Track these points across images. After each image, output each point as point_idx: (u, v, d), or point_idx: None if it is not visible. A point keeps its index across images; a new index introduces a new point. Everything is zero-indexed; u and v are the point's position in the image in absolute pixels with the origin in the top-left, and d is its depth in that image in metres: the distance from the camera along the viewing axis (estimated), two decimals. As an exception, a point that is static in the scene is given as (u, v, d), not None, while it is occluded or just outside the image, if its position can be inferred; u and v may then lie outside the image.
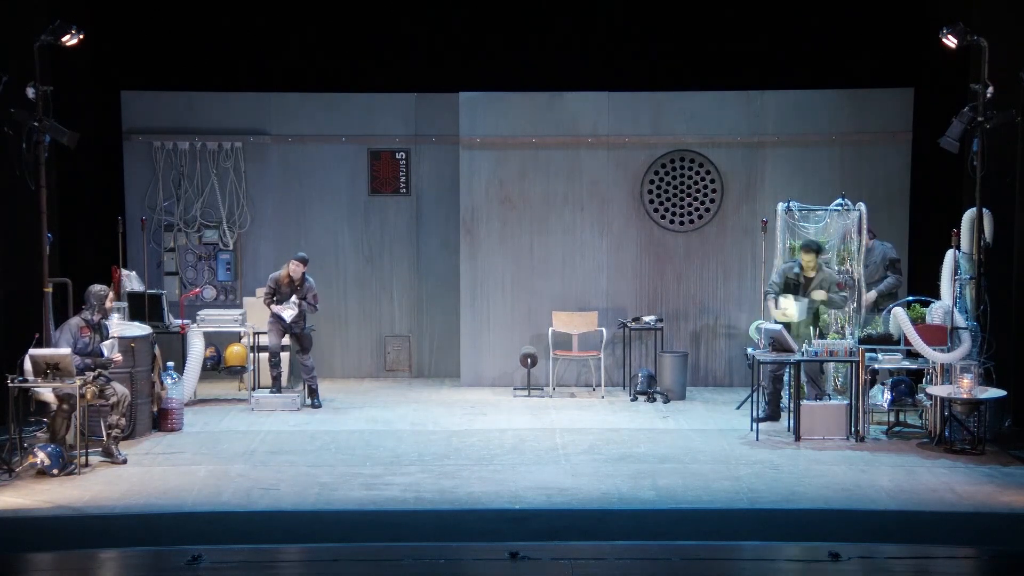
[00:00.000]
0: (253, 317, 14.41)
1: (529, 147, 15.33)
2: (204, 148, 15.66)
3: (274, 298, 13.81)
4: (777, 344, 12.60)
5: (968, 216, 12.63)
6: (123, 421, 11.53)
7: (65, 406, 11.34)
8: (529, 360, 14.48)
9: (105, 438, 11.36)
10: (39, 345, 11.37)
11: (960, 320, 12.24)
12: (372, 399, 14.61)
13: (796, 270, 12.93)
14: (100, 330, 11.83)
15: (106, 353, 11.69)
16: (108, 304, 11.83)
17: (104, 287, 11.92)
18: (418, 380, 15.88)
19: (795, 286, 12.85)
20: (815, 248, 12.84)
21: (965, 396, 11.63)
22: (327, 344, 15.67)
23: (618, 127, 15.33)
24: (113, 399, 11.36)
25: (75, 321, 11.70)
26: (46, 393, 11.45)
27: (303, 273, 13.80)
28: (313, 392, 13.92)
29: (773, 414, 13.01)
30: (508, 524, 9.65)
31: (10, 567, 8.42)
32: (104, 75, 15.43)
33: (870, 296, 13.64)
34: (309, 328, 14.06)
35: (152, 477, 10.94)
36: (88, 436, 11.31)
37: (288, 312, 13.71)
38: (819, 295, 12.81)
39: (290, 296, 13.75)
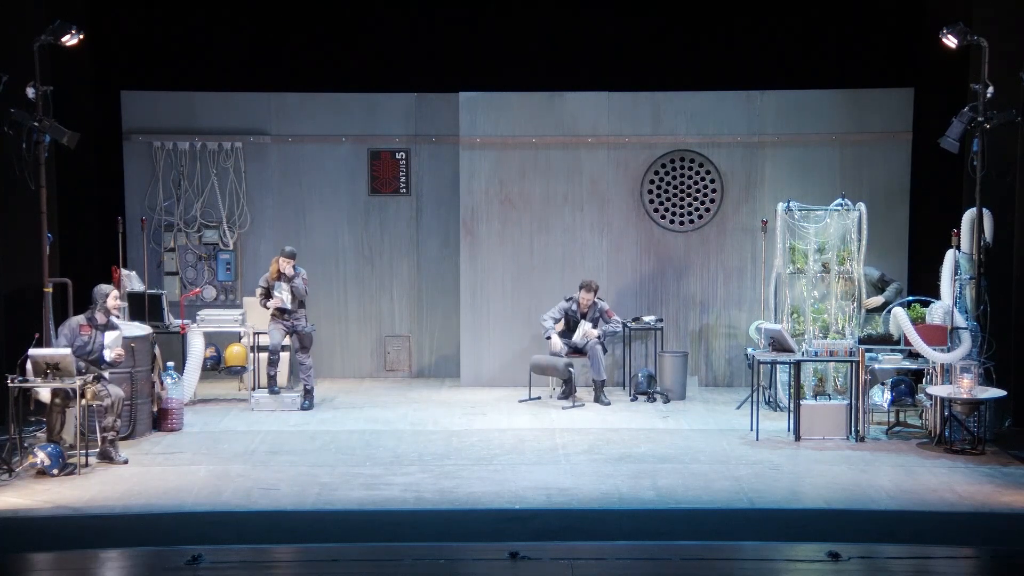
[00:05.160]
0: (253, 317, 14.41)
1: (529, 147, 15.33)
2: (204, 148, 15.66)
3: (269, 296, 13.83)
4: (777, 344, 12.61)
5: (968, 216, 12.64)
6: (118, 423, 11.51)
7: (58, 400, 11.33)
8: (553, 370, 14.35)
9: (101, 442, 11.34)
10: (39, 345, 11.38)
11: (960, 320, 12.25)
12: (372, 399, 14.60)
13: (573, 306, 14.39)
14: (106, 329, 11.76)
15: (107, 344, 11.61)
16: (111, 303, 11.79)
17: (108, 286, 11.92)
18: (418, 380, 15.88)
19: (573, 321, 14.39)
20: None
21: (965, 396, 11.64)
22: (327, 344, 15.67)
23: (618, 127, 15.34)
24: (107, 401, 11.34)
25: (76, 319, 11.71)
26: (45, 392, 11.45)
27: (293, 266, 13.81)
28: (308, 392, 13.91)
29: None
30: (508, 524, 9.66)
31: (10, 567, 8.42)
32: (104, 75, 15.43)
33: (875, 300, 13.64)
34: (311, 327, 14.06)
35: (152, 477, 10.94)
36: (88, 436, 11.30)
37: (285, 297, 13.70)
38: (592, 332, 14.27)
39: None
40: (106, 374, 11.62)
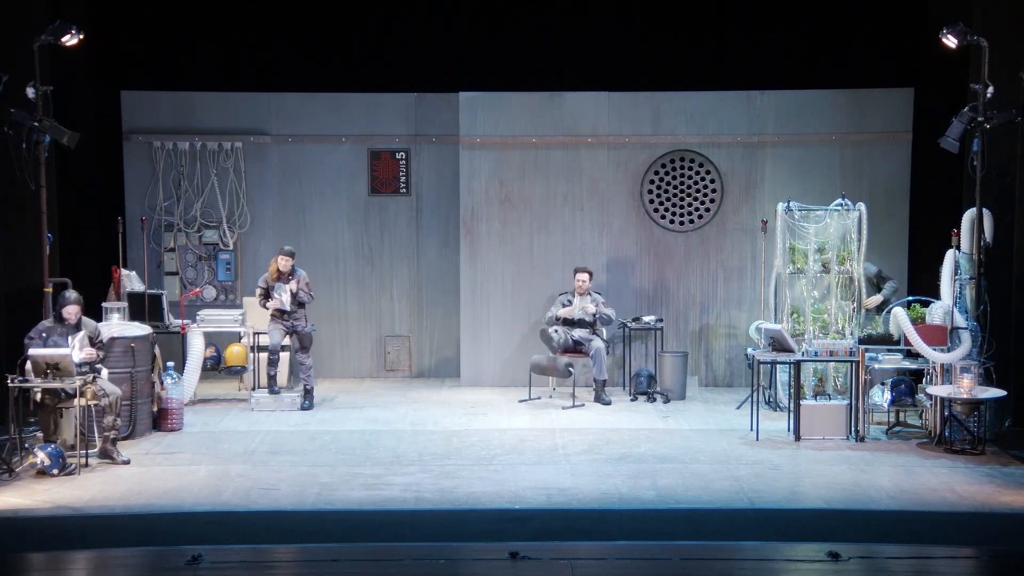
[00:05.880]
0: (253, 317, 14.41)
1: (529, 147, 15.34)
2: (204, 148, 15.66)
3: (268, 297, 13.85)
4: (777, 344, 12.61)
5: (968, 216, 12.64)
6: (118, 422, 11.48)
7: (48, 400, 11.29)
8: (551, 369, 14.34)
9: (102, 441, 11.31)
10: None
11: (960, 320, 12.25)
12: (372, 399, 14.60)
13: (568, 297, 14.50)
14: (76, 330, 11.60)
15: (71, 346, 11.35)
16: (64, 314, 11.45)
17: (73, 295, 11.55)
18: (418, 380, 15.88)
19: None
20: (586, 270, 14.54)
21: (965, 396, 11.64)
22: (327, 344, 15.67)
23: (618, 127, 15.34)
24: (105, 401, 11.31)
25: (45, 321, 11.65)
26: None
27: (292, 265, 13.83)
28: (308, 392, 13.92)
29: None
30: (508, 524, 9.66)
31: (10, 567, 8.42)
32: (104, 75, 15.43)
33: (874, 299, 13.68)
34: (311, 327, 14.07)
35: (152, 477, 10.94)
36: (88, 436, 11.29)
37: (285, 299, 13.71)
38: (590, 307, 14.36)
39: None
40: (104, 373, 11.61)
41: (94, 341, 11.58)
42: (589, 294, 14.43)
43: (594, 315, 14.34)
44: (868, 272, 13.70)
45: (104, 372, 11.65)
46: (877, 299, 13.71)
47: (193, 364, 13.87)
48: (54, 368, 11.03)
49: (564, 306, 14.43)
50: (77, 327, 11.55)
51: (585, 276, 14.42)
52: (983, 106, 12.12)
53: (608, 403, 14.14)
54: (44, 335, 11.38)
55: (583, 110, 15.32)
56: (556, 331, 14.22)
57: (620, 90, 15.32)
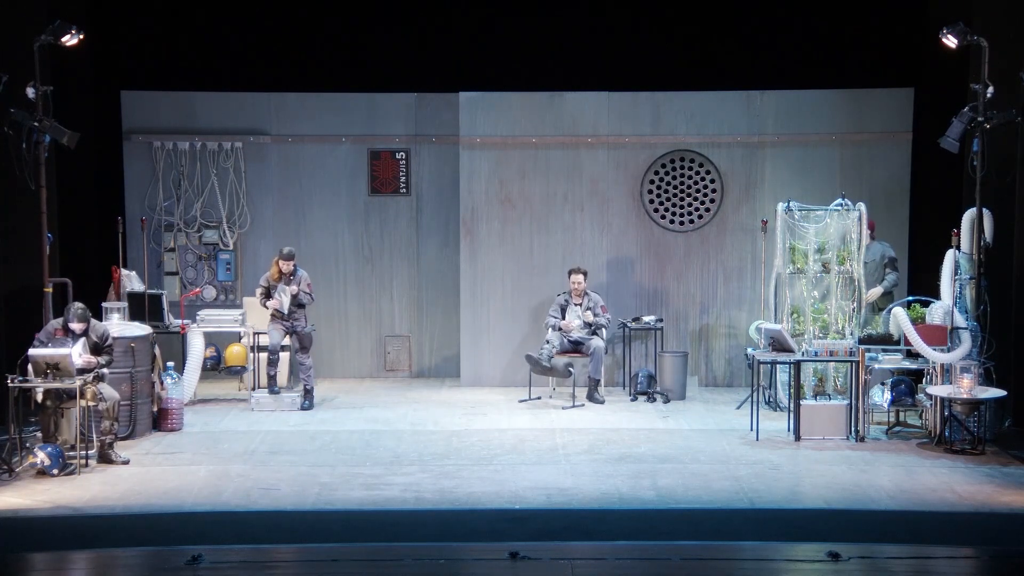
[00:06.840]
0: (253, 317, 14.40)
1: (529, 147, 15.34)
2: (204, 148, 15.66)
3: (269, 297, 13.86)
4: (777, 344, 12.61)
5: (968, 216, 12.64)
6: (116, 426, 11.46)
7: (49, 402, 11.28)
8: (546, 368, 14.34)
9: (99, 446, 11.29)
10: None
11: (960, 320, 12.25)
12: (372, 399, 14.61)
13: (566, 297, 14.46)
14: (80, 337, 11.59)
15: (72, 354, 11.37)
16: (72, 328, 11.41)
17: (81, 312, 11.46)
18: (418, 380, 15.88)
19: (566, 311, 14.44)
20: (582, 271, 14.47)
21: (965, 396, 11.64)
22: (327, 344, 15.67)
23: (618, 127, 15.34)
24: (103, 405, 11.29)
25: (54, 322, 11.64)
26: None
27: (294, 266, 13.84)
28: (308, 393, 13.92)
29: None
30: (508, 524, 9.66)
31: (10, 567, 8.42)
32: (104, 75, 15.44)
33: (875, 292, 13.69)
34: (310, 327, 14.08)
35: (152, 477, 10.94)
36: (88, 436, 11.28)
37: (285, 300, 13.72)
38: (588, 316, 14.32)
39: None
40: (106, 372, 11.60)
41: (101, 346, 11.59)
42: (587, 294, 14.42)
43: (590, 325, 14.33)
44: (886, 252, 13.70)
45: (105, 375, 11.62)
46: (878, 291, 13.73)
47: (193, 364, 13.87)
48: (54, 368, 11.03)
49: (562, 306, 14.42)
50: (84, 334, 11.55)
51: (580, 278, 14.39)
52: (983, 106, 12.12)
53: (601, 402, 14.14)
54: (51, 345, 11.38)
55: (583, 110, 15.32)
56: (541, 351, 14.12)
57: (620, 90, 15.32)
